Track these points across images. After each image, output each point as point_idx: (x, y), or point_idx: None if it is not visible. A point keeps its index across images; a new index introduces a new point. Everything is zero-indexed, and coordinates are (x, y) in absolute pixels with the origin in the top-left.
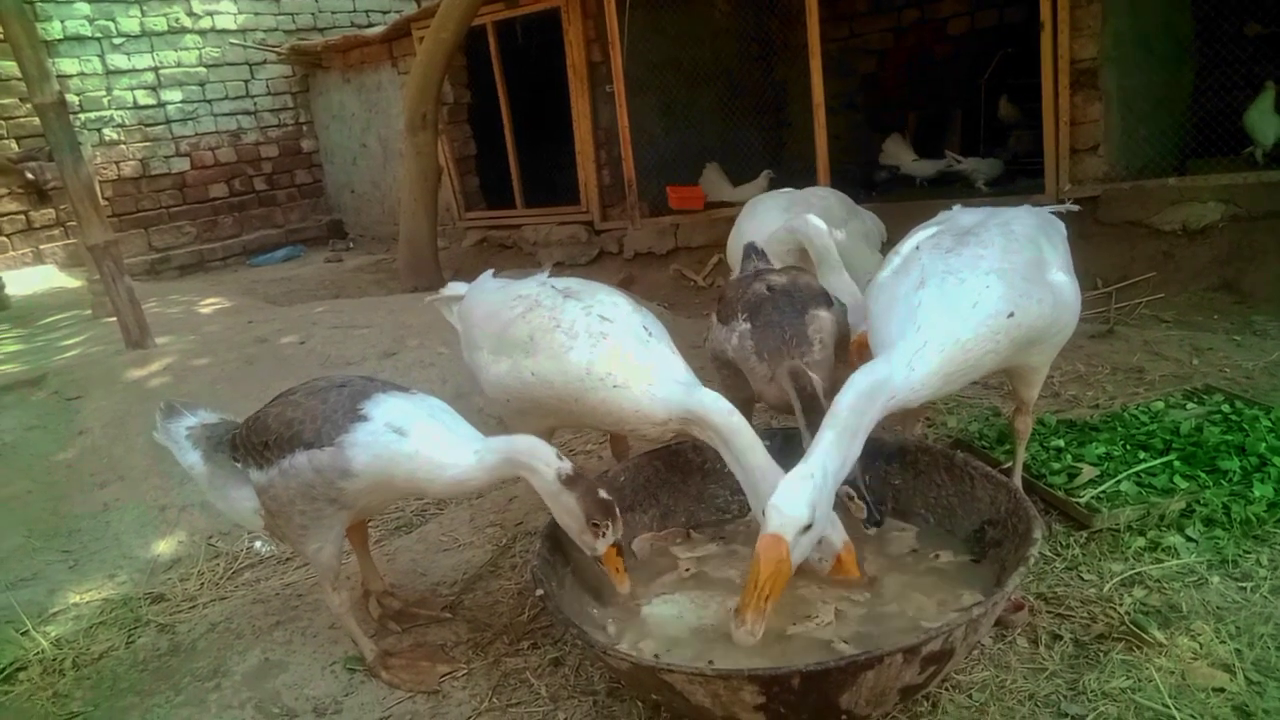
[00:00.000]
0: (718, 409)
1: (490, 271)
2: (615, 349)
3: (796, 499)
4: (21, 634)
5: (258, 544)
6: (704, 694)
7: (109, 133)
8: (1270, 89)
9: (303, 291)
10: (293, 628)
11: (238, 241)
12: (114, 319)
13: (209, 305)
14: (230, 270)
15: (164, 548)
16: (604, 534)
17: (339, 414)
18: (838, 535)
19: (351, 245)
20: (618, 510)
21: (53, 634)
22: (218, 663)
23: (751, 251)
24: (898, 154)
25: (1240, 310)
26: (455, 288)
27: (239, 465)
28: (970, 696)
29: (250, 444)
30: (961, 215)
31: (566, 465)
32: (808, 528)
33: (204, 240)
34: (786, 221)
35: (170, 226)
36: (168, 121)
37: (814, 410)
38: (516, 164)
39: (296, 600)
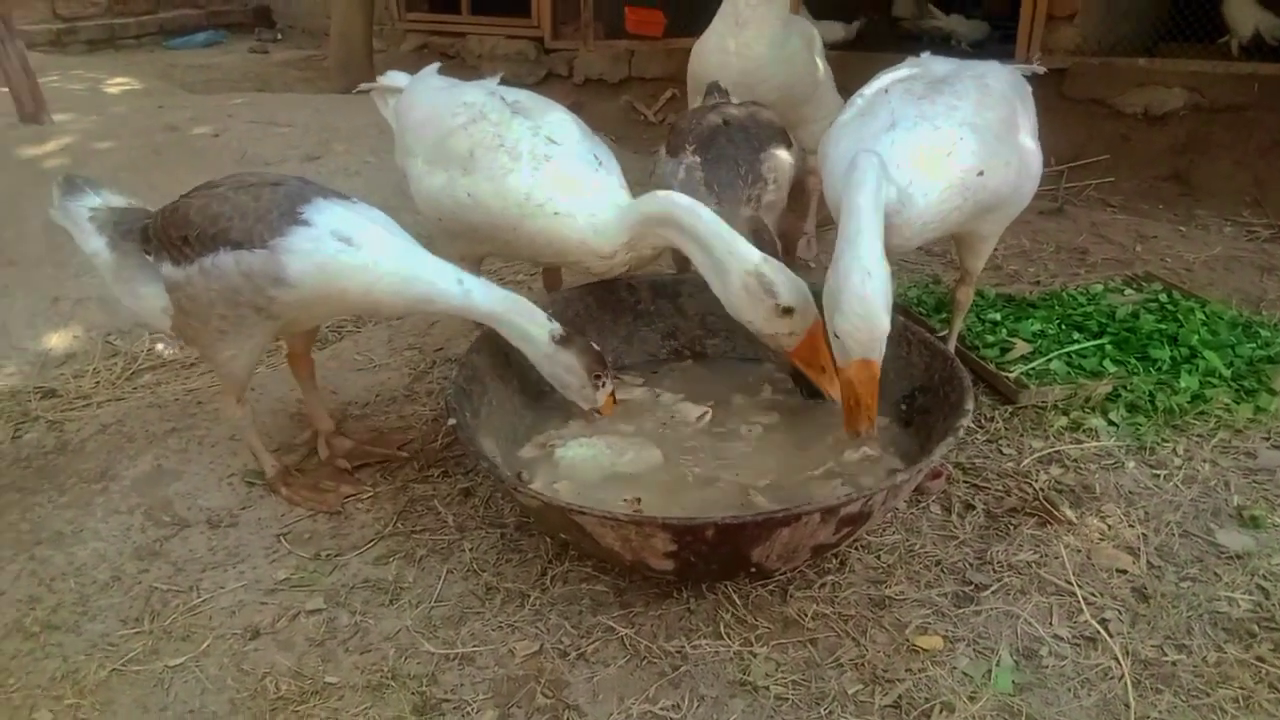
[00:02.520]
0: (671, 201)
1: (436, 65)
2: (558, 173)
3: (872, 309)
4: None
5: (160, 345)
6: (615, 538)
7: None
8: None
9: (223, 81)
10: (189, 435)
11: (153, 19)
12: (5, 89)
13: (117, 85)
14: (145, 50)
15: (56, 341)
16: (603, 384)
17: (274, 215)
18: (813, 310)
19: (280, 36)
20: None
21: None
22: (106, 465)
23: (714, 90)
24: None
25: (1186, 202)
26: (395, 78)
27: (150, 258)
28: (879, 558)
29: (166, 236)
30: (933, 63)
31: (556, 325)
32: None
33: (116, 14)
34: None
35: None
36: None
37: None
38: None
39: (195, 407)
